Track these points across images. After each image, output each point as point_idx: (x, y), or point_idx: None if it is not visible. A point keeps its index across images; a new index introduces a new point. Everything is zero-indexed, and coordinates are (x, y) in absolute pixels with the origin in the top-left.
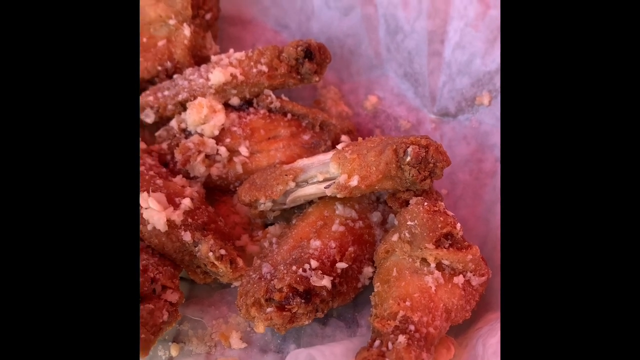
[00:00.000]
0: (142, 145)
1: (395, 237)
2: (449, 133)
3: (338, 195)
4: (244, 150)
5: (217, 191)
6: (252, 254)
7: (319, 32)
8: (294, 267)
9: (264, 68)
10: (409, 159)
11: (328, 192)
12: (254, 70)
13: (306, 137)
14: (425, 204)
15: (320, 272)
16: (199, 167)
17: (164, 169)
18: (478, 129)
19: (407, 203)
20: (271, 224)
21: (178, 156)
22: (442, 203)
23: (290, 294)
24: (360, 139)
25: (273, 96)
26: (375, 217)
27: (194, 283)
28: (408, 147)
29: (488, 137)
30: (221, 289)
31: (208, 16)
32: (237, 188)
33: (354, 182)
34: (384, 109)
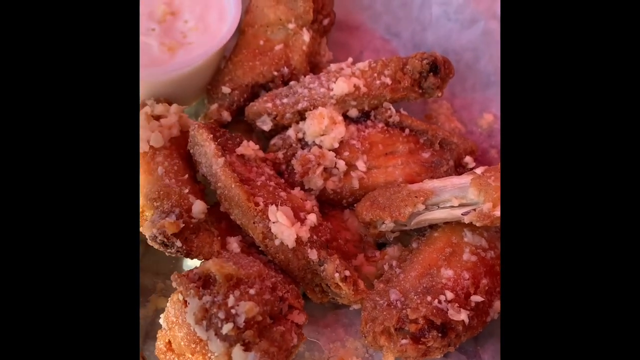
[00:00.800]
0: (260, 154)
1: None
2: None
3: (476, 224)
4: (361, 165)
5: (326, 205)
6: (367, 275)
7: (434, 44)
8: (428, 298)
9: (388, 80)
10: None
11: (466, 220)
12: (377, 82)
13: (426, 154)
14: None
15: (456, 304)
16: (316, 180)
17: (282, 180)
18: None
19: None
20: (383, 244)
21: (298, 167)
22: None
23: (426, 327)
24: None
25: (393, 110)
26: None
27: (307, 301)
28: None
29: None
30: (335, 309)
31: (326, 21)
32: (350, 203)
33: (500, 212)
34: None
